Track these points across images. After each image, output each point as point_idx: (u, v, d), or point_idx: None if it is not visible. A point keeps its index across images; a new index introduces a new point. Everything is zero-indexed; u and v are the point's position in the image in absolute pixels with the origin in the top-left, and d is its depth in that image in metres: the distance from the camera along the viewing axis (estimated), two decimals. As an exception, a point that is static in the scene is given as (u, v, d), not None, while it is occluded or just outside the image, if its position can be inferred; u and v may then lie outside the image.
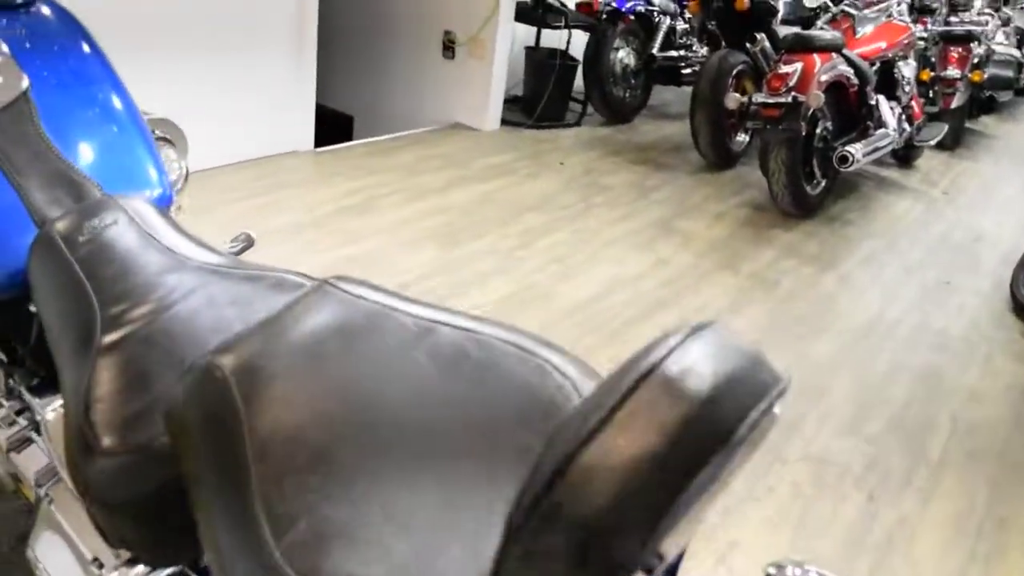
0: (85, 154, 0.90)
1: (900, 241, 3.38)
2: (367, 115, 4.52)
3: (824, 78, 3.09)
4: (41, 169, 0.83)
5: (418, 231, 2.89)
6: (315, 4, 3.30)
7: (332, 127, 4.53)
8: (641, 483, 0.41)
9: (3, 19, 0.94)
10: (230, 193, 2.98)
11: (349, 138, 4.36)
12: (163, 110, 1.21)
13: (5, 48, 0.87)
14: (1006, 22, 5.51)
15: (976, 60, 4.46)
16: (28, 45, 0.95)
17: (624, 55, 4.44)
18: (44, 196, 0.82)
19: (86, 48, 1.01)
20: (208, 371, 0.59)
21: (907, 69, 3.82)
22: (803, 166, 3.26)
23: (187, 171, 1.21)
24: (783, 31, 3.59)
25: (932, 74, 4.29)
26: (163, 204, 0.94)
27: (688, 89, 4.14)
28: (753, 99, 3.13)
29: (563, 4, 4.26)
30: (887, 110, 3.54)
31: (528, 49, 4.40)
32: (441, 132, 4.09)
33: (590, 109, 4.49)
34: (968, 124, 5.11)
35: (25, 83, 0.86)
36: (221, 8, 2.98)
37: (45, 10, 1.00)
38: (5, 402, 0.91)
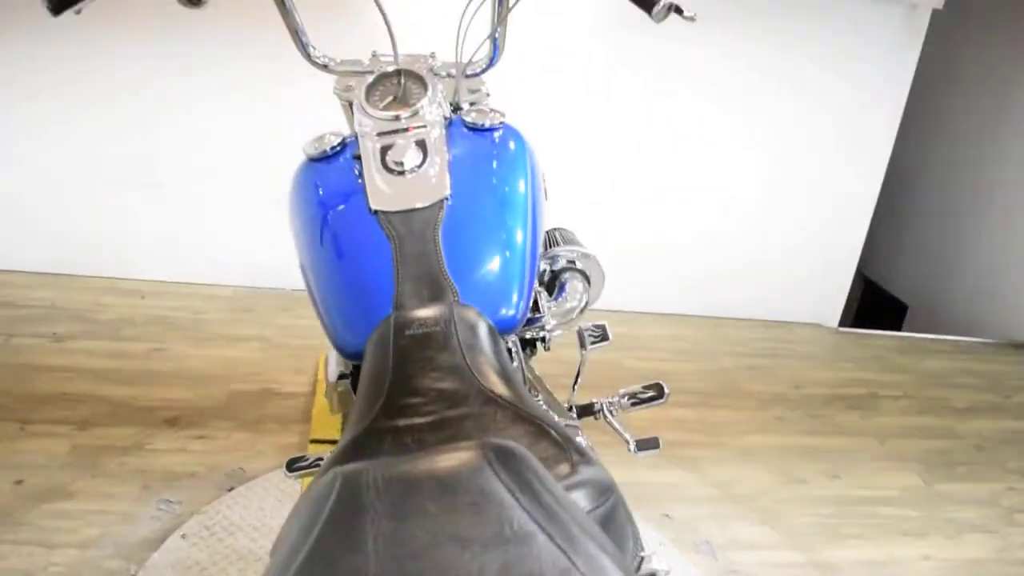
0: (461, 263, 1.01)
1: None
2: (926, 306, 4.16)
3: None
4: (419, 265, 0.99)
5: (908, 448, 2.58)
6: (885, 156, 3.18)
7: (878, 311, 4.29)
8: None
9: (471, 135, 1.14)
10: (734, 346, 3.05)
11: (897, 329, 4.07)
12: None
13: (448, 156, 1.06)
14: None
15: None
16: (471, 160, 1.09)
17: None
18: (410, 288, 0.98)
19: (520, 175, 1.12)
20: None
21: None
22: None
23: (585, 304, 1.31)
24: None
25: None
26: (506, 325, 1.02)
27: None
28: None
29: None
30: None
31: None
32: (1001, 348, 3.56)
33: None
34: None
35: (446, 192, 1.03)
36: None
37: (506, 136, 1.15)
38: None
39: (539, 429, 0.85)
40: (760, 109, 3.01)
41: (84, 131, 2.75)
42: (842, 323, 3.45)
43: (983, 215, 3.81)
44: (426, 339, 0.92)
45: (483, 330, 0.95)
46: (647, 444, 1.34)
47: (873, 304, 4.44)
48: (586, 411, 1.34)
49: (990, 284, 3.76)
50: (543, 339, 1.35)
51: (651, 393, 1.34)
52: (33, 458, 2.05)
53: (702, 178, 3.07)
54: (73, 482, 1.99)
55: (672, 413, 2.55)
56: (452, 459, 0.64)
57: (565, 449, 0.83)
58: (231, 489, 1.97)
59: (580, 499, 0.77)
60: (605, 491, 0.80)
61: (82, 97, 2.71)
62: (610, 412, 1.34)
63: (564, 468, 0.81)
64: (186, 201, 2.88)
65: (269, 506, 1.85)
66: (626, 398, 1.33)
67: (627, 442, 1.30)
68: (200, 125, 2.78)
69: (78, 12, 1.06)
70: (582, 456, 0.83)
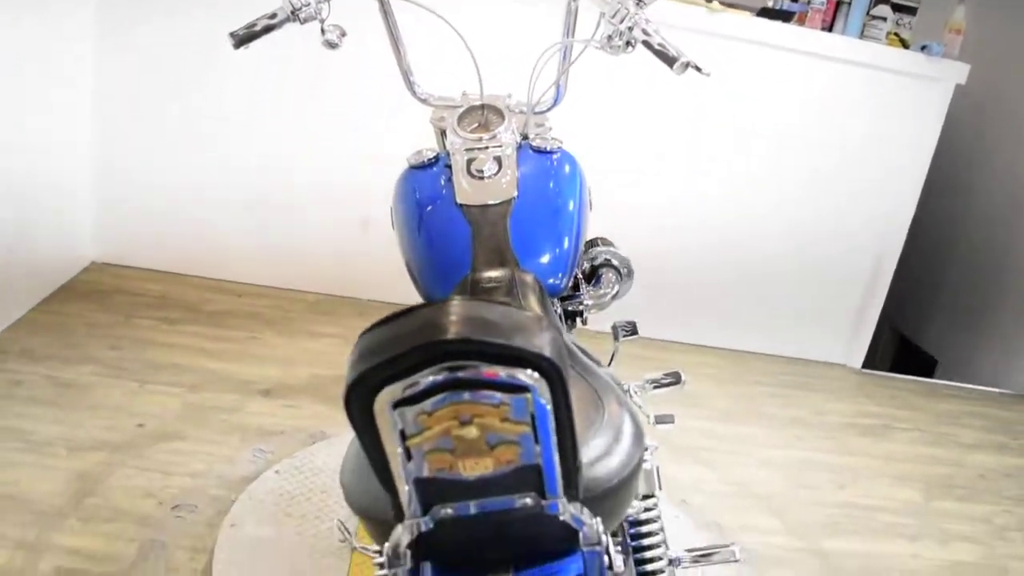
0: (522, 243, 1.33)
1: None
2: (954, 362, 4.38)
3: None
4: (491, 242, 1.34)
5: (912, 470, 2.84)
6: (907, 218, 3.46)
7: (909, 364, 4.49)
8: None
9: (536, 155, 1.46)
10: (758, 376, 3.34)
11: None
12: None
13: (517, 169, 1.42)
14: None
15: None
16: (534, 172, 1.42)
17: None
18: (483, 257, 1.33)
19: (571, 186, 1.46)
20: None
21: None
22: None
23: (616, 292, 1.66)
24: None
25: None
26: (552, 289, 1.38)
27: None
28: None
29: None
30: None
31: None
32: (1018, 399, 3.77)
33: None
34: None
35: (513, 194, 1.40)
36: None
37: (563, 158, 1.48)
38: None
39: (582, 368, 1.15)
40: (793, 163, 3.36)
41: (211, 149, 3.24)
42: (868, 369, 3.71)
43: (1011, 277, 4.06)
44: (494, 290, 1.28)
45: (535, 287, 1.31)
46: (664, 419, 1.67)
47: (904, 358, 4.67)
48: None
49: (1015, 343, 3.99)
50: (581, 314, 1.71)
51: (670, 379, 1.68)
52: (151, 409, 2.46)
53: (733, 216, 3.41)
54: (184, 429, 2.39)
55: (697, 424, 2.86)
56: None
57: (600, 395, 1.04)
58: (315, 442, 2.35)
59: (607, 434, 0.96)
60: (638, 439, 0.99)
61: (216, 117, 3.19)
62: (634, 392, 1.68)
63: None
64: (284, 216, 3.32)
65: (347, 454, 2.21)
66: (648, 383, 1.66)
67: (647, 416, 1.63)
68: (307, 148, 3.24)
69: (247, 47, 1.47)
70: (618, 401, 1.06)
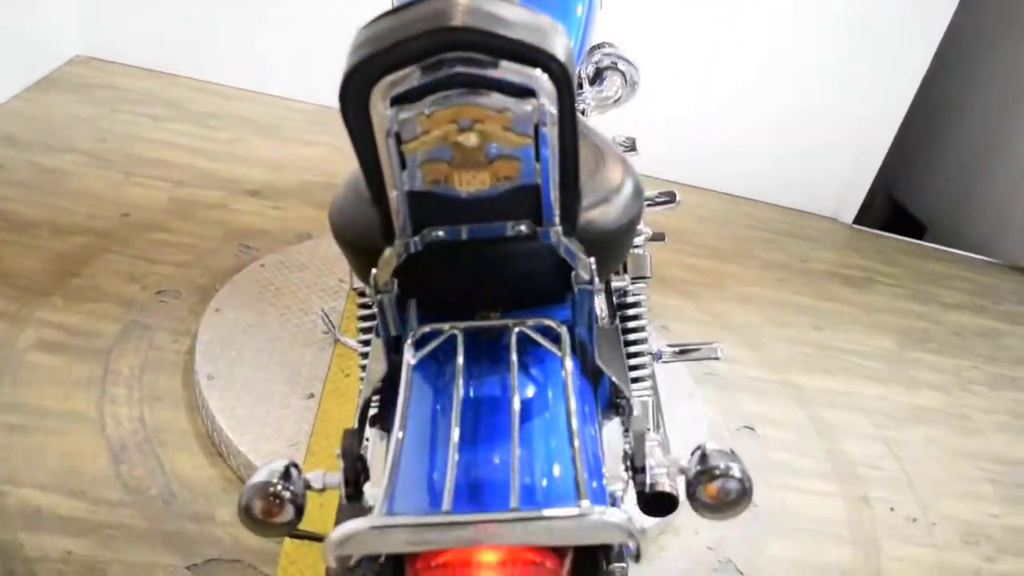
0: None
1: None
2: (944, 230, 4.38)
3: None
4: None
5: (890, 322, 2.88)
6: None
7: (899, 229, 4.49)
8: None
9: None
10: (750, 220, 3.33)
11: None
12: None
13: None
14: None
15: None
16: None
17: None
18: None
19: None
20: None
21: None
22: None
23: (620, 98, 1.60)
24: None
25: None
26: None
27: None
28: None
29: None
30: None
31: None
32: (1004, 268, 3.80)
33: None
34: None
35: None
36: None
37: None
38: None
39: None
40: (802, 14, 3.21)
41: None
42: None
43: (1010, 148, 4.00)
44: None
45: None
46: (656, 236, 1.64)
47: (896, 224, 4.66)
48: None
49: (1007, 214, 3.98)
50: (583, 111, 1.65)
51: (665, 198, 1.65)
52: (135, 200, 2.42)
53: (744, 67, 3.30)
54: (169, 222, 2.36)
55: (684, 260, 2.86)
56: None
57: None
58: (301, 242, 2.33)
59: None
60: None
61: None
62: None
63: None
64: (283, 19, 3.17)
65: (333, 254, 2.20)
66: (644, 200, 1.63)
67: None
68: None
69: None
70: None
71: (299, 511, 0.72)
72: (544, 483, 0.65)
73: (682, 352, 1.30)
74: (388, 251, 0.74)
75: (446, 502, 0.59)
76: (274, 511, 0.71)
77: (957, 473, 2.20)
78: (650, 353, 1.21)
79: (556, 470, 0.67)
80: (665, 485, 1.21)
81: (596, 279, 0.75)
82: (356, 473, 0.77)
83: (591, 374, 0.81)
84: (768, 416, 2.21)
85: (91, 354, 1.86)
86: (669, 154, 3.37)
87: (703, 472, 0.75)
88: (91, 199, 2.39)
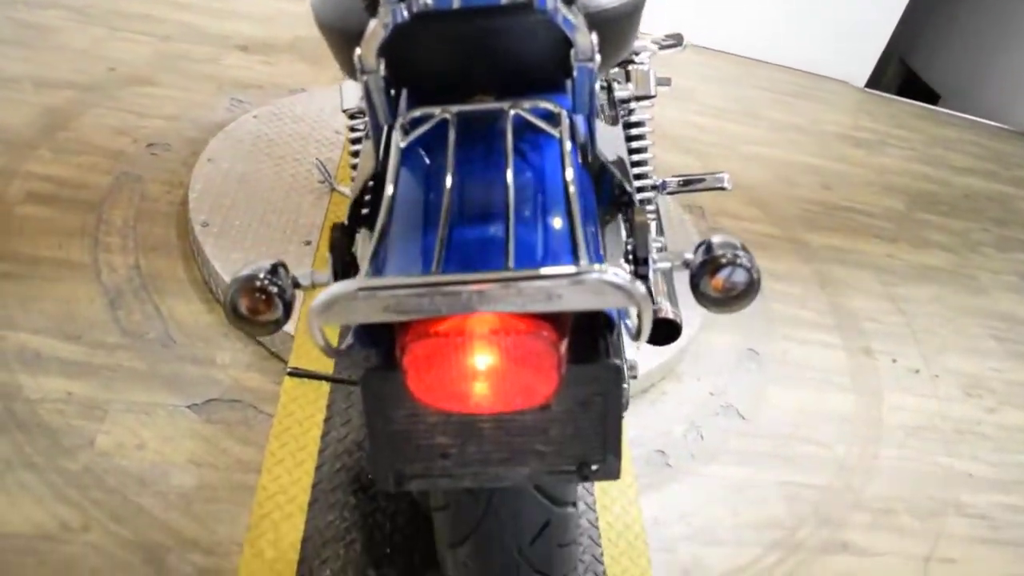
0: None
1: None
2: (957, 97, 4.24)
3: None
4: None
5: (900, 183, 2.81)
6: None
7: (912, 96, 4.36)
8: None
9: None
10: (759, 81, 3.22)
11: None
12: None
13: None
14: None
15: None
16: None
17: None
18: None
19: None
20: None
21: None
22: None
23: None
24: None
25: None
26: None
27: None
28: None
29: None
30: None
31: None
32: (1017, 135, 3.70)
33: None
34: None
35: None
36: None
37: None
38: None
39: None
40: None
41: None
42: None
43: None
44: None
45: None
46: (662, 81, 1.56)
47: (909, 90, 4.52)
48: None
49: (1021, 82, 3.84)
50: None
51: (672, 40, 1.55)
52: (121, 55, 2.32)
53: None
54: (156, 75, 2.27)
55: (690, 119, 2.78)
56: None
57: None
58: (295, 95, 2.25)
59: None
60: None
61: None
62: (634, 53, 1.56)
63: None
64: None
65: (329, 106, 2.12)
66: (652, 43, 1.53)
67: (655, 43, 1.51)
68: None
69: None
70: None
71: (287, 309, 0.69)
72: (541, 249, 0.61)
73: (687, 183, 1.25)
74: (373, 23, 0.68)
75: (436, 264, 0.55)
76: (260, 308, 0.68)
77: (962, 329, 2.19)
78: (654, 186, 1.16)
79: (554, 238, 0.63)
80: (668, 311, 1.18)
81: (597, 56, 0.69)
82: (346, 268, 0.73)
83: (592, 168, 0.76)
84: (773, 271, 2.18)
85: (83, 205, 1.81)
86: (676, 14, 3.23)
87: (708, 262, 0.71)
88: (75, 54, 2.29)
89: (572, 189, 0.61)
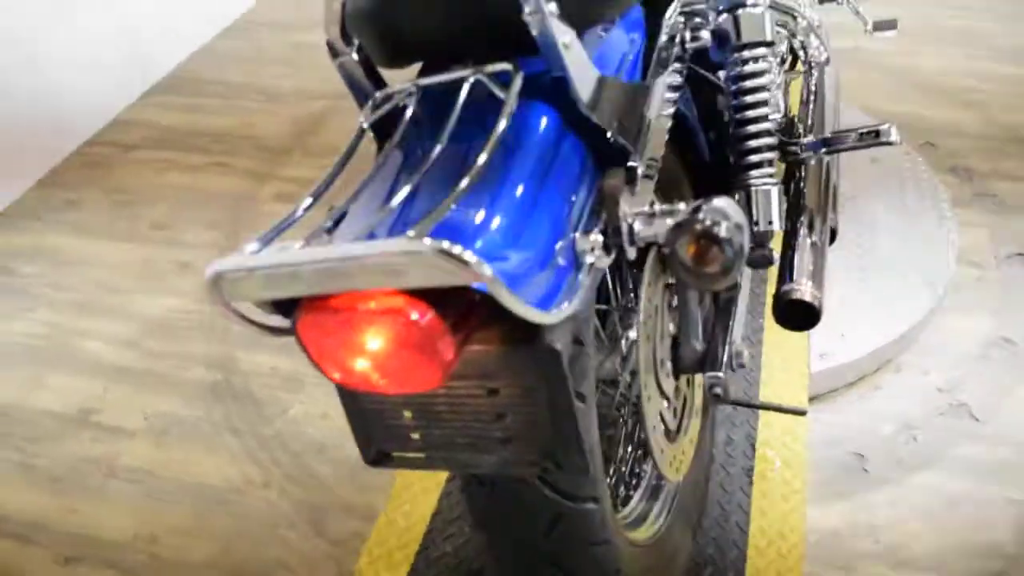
0: None
1: None
2: None
3: None
4: None
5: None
6: None
7: None
8: None
9: None
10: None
11: None
12: None
13: None
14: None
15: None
16: None
17: None
18: None
19: None
20: None
21: None
22: None
23: None
24: None
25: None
26: None
27: None
28: None
29: None
30: None
31: None
32: None
33: None
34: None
35: None
36: None
37: None
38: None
39: None
40: None
41: None
42: None
43: None
44: None
45: None
46: (885, 25, 1.36)
47: None
48: None
49: None
50: None
51: (886, 25, 1.34)
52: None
53: None
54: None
55: (967, 65, 2.37)
56: None
57: None
58: None
59: None
60: None
61: None
62: None
63: None
64: None
65: None
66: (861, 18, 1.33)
67: (865, 23, 1.32)
68: None
69: None
70: None
71: None
72: (462, 223, 0.56)
73: (828, 142, 1.04)
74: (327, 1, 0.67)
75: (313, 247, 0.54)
76: None
77: None
78: (770, 146, 0.98)
79: (469, 211, 0.57)
80: (804, 292, 1.02)
81: (551, 5, 0.61)
82: None
83: (586, 128, 0.68)
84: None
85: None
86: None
87: (683, 224, 0.61)
88: (331, 69, 2.57)
89: (481, 160, 0.56)
